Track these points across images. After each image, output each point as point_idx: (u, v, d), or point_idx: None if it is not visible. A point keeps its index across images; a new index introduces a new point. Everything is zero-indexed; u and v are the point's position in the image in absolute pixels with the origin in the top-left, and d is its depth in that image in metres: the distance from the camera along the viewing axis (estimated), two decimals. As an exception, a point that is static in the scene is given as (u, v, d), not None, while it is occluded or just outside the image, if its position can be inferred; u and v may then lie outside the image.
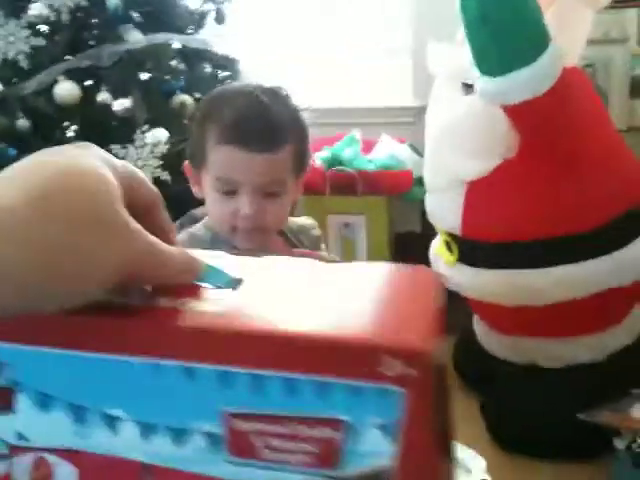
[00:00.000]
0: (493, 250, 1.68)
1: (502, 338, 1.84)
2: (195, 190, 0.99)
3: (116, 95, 1.72)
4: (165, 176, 1.68)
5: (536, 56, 1.44)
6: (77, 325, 0.28)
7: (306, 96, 1.10)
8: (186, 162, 0.99)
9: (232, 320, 0.27)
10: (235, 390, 0.26)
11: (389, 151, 2.38)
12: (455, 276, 1.76)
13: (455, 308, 2.09)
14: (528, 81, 1.46)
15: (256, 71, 1.94)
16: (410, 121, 2.47)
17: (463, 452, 0.86)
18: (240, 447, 0.27)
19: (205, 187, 0.95)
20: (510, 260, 1.65)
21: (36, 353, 0.27)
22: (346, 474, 0.27)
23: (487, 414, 1.83)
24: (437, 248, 1.88)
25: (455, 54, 1.69)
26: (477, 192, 1.69)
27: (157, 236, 0.29)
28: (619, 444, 1.50)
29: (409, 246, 2.28)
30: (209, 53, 2.01)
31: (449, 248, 1.79)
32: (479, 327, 1.95)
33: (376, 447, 0.26)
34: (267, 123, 0.91)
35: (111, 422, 0.27)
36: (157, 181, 1.66)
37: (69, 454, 0.28)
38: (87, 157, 0.29)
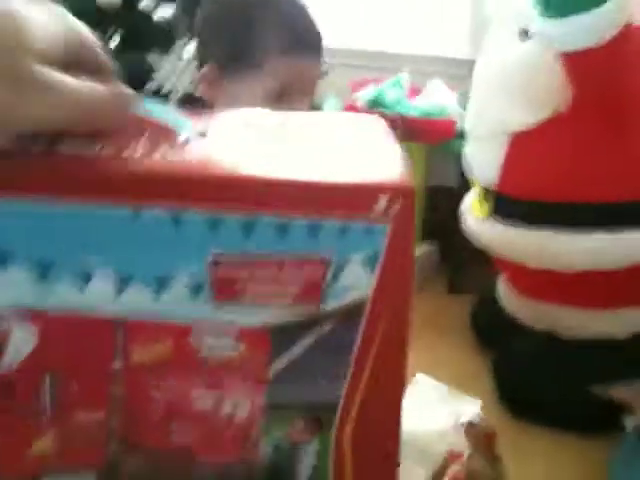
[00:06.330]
0: (527, 208, 1.62)
1: (524, 301, 1.80)
2: (211, 94, 0.95)
3: (158, 3, 1.56)
4: (198, 93, 1.57)
5: (601, 2, 1.36)
6: (39, 171, 0.25)
7: (358, 38, 1.08)
8: (210, 65, 0.94)
9: (218, 165, 0.26)
10: (224, 234, 0.26)
11: (435, 99, 2.28)
12: (484, 232, 1.72)
13: (480, 266, 1.99)
14: (589, 27, 1.38)
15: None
16: (463, 74, 2.25)
17: (458, 398, 0.84)
18: (224, 292, 0.27)
19: (248, 93, 0.92)
20: (542, 220, 1.59)
21: None
22: (327, 309, 0.28)
23: (498, 373, 1.82)
24: (470, 201, 1.82)
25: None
26: (520, 145, 1.62)
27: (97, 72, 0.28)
28: (628, 422, 1.47)
29: (442, 201, 2.21)
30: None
31: (482, 201, 1.73)
32: (502, 287, 1.91)
33: (357, 281, 0.27)
34: (318, 32, 0.95)
35: (81, 276, 0.26)
36: (189, 97, 1.60)
37: (28, 314, 0.26)
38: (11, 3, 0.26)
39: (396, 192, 0.27)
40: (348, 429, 0.30)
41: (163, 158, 0.27)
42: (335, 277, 0.27)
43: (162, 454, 0.30)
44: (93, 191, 0.25)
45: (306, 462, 0.31)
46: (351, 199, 0.27)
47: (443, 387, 0.78)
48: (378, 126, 0.34)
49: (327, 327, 0.28)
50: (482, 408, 0.91)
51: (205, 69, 0.94)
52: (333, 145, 0.31)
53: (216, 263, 0.26)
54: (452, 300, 2.28)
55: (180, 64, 1.69)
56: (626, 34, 1.42)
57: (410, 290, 0.28)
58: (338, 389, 0.29)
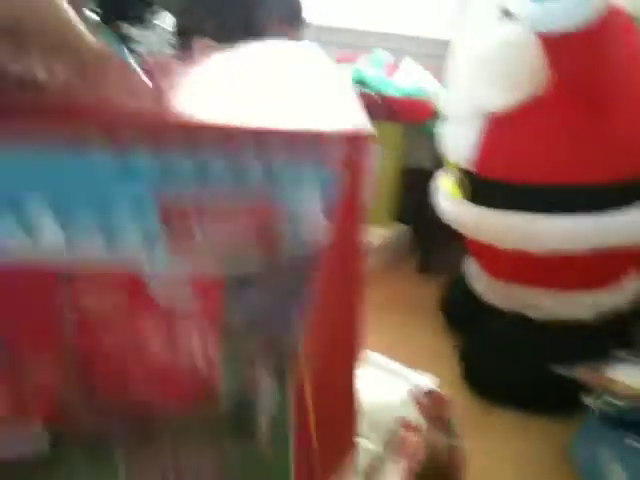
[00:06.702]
0: (503, 190, 1.63)
1: (494, 283, 1.82)
2: None
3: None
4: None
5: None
6: None
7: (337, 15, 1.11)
8: (202, 39, 0.96)
9: (172, 108, 0.26)
10: (178, 177, 0.25)
11: (414, 79, 2.25)
12: (460, 213, 1.73)
13: (452, 248, 1.97)
14: (570, 10, 1.39)
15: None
16: (438, 54, 2.20)
17: (410, 373, 0.84)
18: (177, 239, 0.26)
19: None
20: (519, 203, 1.61)
21: None
22: (280, 256, 0.28)
23: (464, 354, 1.84)
24: (443, 182, 1.82)
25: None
26: (498, 127, 1.62)
27: None
28: (587, 401, 1.50)
29: (417, 182, 2.19)
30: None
31: (458, 183, 1.73)
32: (471, 269, 1.92)
33: (310, 228, 0.27)
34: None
35: (29, 223, 0.25)
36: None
37: None
38: None
39: (350, 138, 0.27)
40: (308, 379, 0.30)
41: (116, 95, 0.27)
42: (288, 223, 0.27)
43: (118, 405, 0.30)
44: (39, 129, 0.25)
45: (266, 411, 0.31)
46: (305, 144, 0.26)
47: (395, 364, 0.78)
48: (336, 72, 0.34)
49: (280, 275, 0.28)
50: (447, 388, 0.92)
51: (196, 42, 0.94)
52: (289, 90, 0.31)
53: (169, 208, 0.26)
54: (422, 280, 2.29)
55: (154, 35, 1.66)
56: (607, 18, 1.43)
57: (361, 238, 0.29)
58: (295, 339, 0.29)
